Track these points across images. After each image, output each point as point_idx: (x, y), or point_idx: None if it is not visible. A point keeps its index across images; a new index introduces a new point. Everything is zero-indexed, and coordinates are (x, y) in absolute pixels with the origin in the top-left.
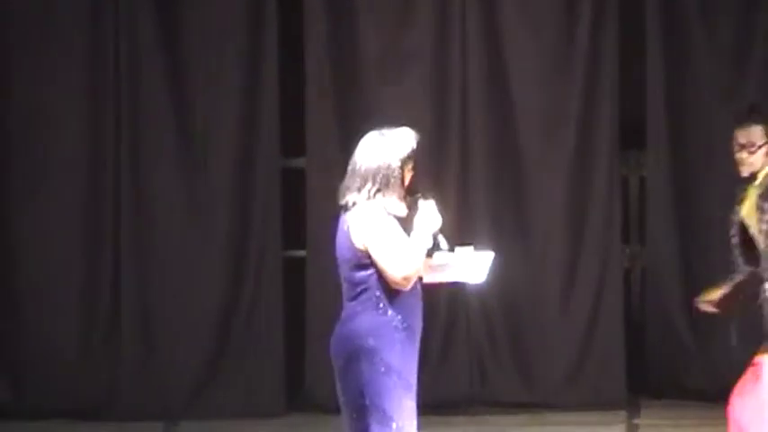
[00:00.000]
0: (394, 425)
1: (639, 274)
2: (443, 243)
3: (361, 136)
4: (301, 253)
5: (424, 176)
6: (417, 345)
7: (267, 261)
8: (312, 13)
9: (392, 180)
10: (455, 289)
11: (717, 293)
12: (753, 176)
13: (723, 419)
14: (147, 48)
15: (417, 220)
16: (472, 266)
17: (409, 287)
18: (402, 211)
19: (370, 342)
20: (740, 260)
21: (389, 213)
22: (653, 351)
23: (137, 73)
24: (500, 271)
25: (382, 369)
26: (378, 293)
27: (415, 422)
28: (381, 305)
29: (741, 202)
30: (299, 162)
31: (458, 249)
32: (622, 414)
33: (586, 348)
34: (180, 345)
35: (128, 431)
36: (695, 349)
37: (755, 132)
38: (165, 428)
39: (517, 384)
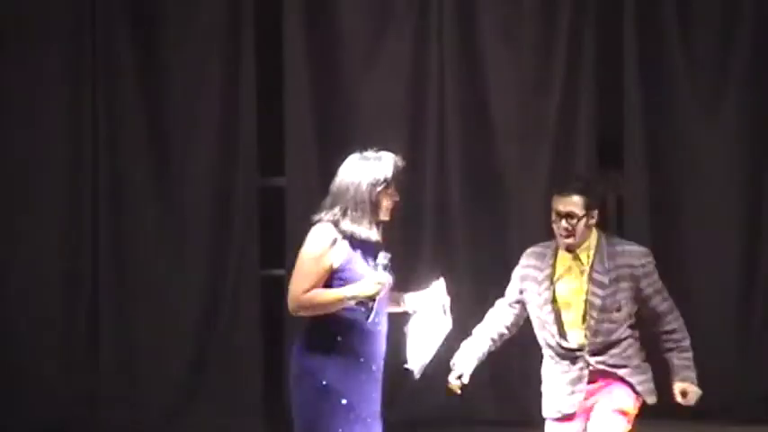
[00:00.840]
0: None
1: None
2: (382, 261)
3: (341, 156)
4: (280, 272)
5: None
6: (373, 371)
7: (245, 279)
8: (292, 33)
9: (361, 204)
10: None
11: None
12: (574, 248)
13: None
14: (125, 69)
15: (360, 287)
16: (435, 314)
17: (303, 314)
18: (373, 236)
19: (314, 362)
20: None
21: (358, 237)
22: None
23: (114, 93)
24: (477, 287)
25: (322, 391)
26: (330, 317)
27: None
28: (332, 328)
29: (552, 277)
30: (278, 181)
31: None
32: None
33: None
34: (158, 361)
35: None
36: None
37: (576, 202)
38: None
39: (493, 401)
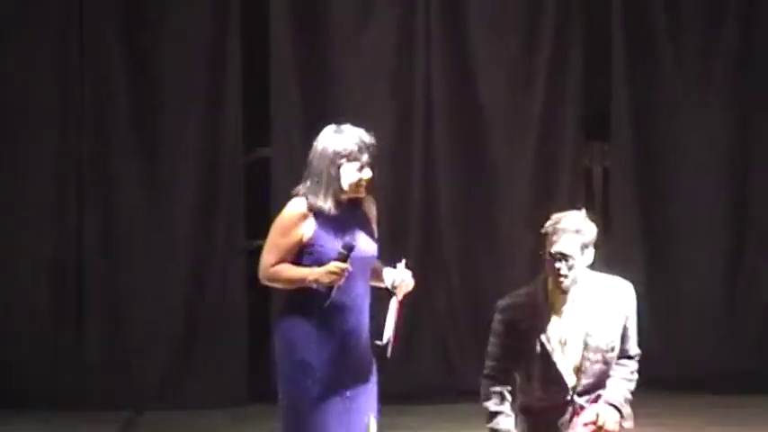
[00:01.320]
0: (294, 419)
1: (604, 261)
2: (341, 250)
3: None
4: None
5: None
6: (351, 346)
7: (232, 251)
8: (278, 9)
9: (317, 176)
10: (419, 281)
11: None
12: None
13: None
14: (111, 45)
15: (319, 273)
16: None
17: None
18: (334, 209)
19: (291, 336)
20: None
21: (323, 211)
22: None
23: (101, 67)
24: (467, 262)
25: (299, 366)
26: (306, 291)
27: (330, 420)
28: (307, 302)
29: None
30: (265, 152)
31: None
32: None
33: None
34: (146, 335)
35: (95, 420)
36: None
37: (574, 243)
38: (131, 417)
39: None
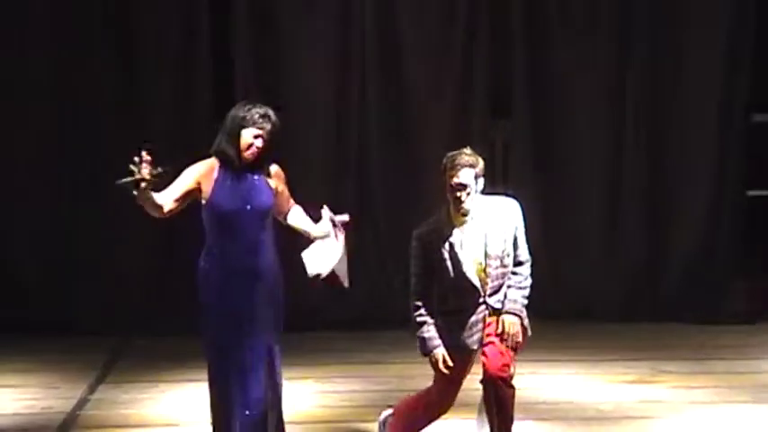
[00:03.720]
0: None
1: None
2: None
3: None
4: None
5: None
6: (248, 284)
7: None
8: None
9: (227, 133)
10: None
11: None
12: (462, 211)
13: None
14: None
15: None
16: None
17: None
18: (233, 160)
19: (198, 279)
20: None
21: (224, 153)
22: None
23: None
24: (394, 211)
25: (202, 304)
26: (208, 235)
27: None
28: (207, 246)
29: (456, 240)
30: None
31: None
32: None
33: None
34: (131, 264)
35: (84, 343)
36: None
37: (468, 174)
38: (118, 344)
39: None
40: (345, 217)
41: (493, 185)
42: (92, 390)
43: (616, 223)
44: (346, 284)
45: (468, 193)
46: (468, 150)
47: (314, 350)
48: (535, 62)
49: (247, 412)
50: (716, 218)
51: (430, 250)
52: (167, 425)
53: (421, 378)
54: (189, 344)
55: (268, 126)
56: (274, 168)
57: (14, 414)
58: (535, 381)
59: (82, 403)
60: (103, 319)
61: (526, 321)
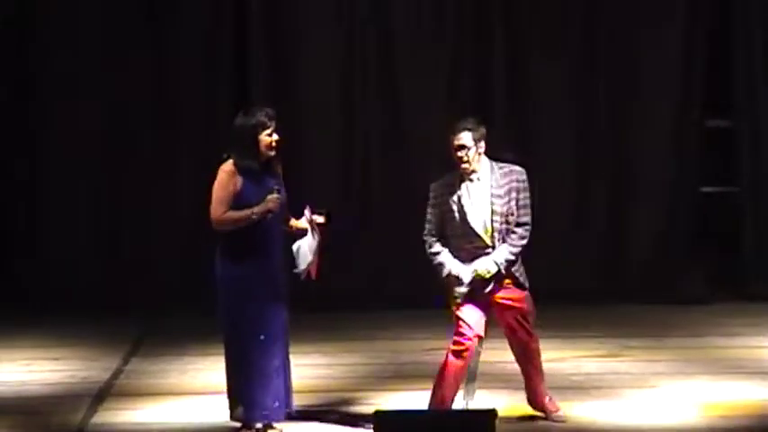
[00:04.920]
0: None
1: None
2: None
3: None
4: None
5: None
6: (268, 267)
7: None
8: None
9: (246, 141)
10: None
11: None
12: (472, 172)
13: None
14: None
15: (259, 207)
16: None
17: (221, 230)
18: (255, 166)
19: (228, 267)
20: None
21: (244, 168)
22: None
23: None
24: (388, 201)
25: (232, 281)
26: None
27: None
28: (235, 235)
29: (465, 195)
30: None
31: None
32: None
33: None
34: (160, 250)
35: (119, 321)
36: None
37: (466, 137)
38: (149, 321)
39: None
40: (321, 219)
41: None
42: (125, 362)
43: (587, 201)
44: (313, 276)
45: (469, 154)
46: (470, 119)
47: (321, 328)
48: (513, 65)
49: (275, 376)
50: (674, 211)
51: (441, 201)
52: (191, 393)
53: (415, 353)
54: (210, 321)
55: (275, 122)
56: (277, 163)
57: (58, 383)
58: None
59: (117, 374)
60: (134, 299)
61: (502, 269)
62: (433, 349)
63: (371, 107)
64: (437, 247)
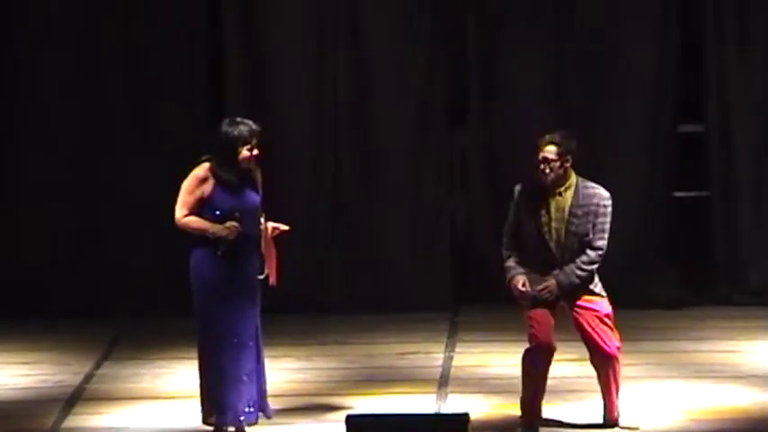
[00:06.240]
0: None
1: (461, 215)
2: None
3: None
4: None
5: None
6: (241, 268)
7: None
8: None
9: (225, 153)
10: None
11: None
12: (554, 186)
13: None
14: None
15: (218, 228)
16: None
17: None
18: (233, 177)
19: (199, 266)
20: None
21: (223, 177)
22: (473, 268)
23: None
24: (359, 204)
25: (203, 284)
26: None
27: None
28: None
29: (544, 207)
30: None
31: None
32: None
33: (426, 265)
34: (134, 253)
35: (92, 325)
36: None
37: (552, 151)
38: (121, 325)
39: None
40: (283, 227)
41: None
42: (98, 366)
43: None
44: (272, 281)
45: (552, 168)
46: (560, 132)
47: (293, 332)
48: (486, 67)
49: (246, 379)
50: (646, 215)
51: (520, 206)
52: (164, 397)
53: (387, 357)
54: (183, 325)
55: (257, 137)
56: (257, 172)
57: (29, 388)
58: (488, 359)
59: (89, 378)
60: (107, 303)
61: (564, 292)
62: (407, 353)
63: (343, 107)
64: (510, 262)
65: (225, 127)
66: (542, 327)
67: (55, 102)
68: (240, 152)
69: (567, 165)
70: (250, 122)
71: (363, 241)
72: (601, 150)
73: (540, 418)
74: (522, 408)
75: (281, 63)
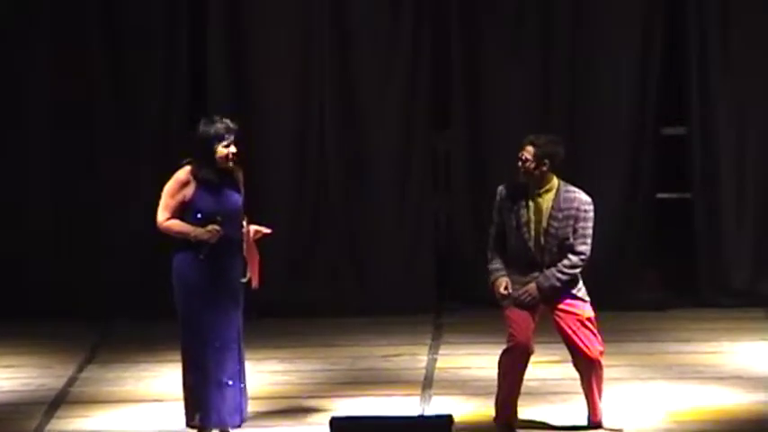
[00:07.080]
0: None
1: (444, 217)
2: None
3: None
4: None
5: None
6: (224, 270)
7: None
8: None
9: (203, 152)
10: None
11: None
12: (534, 187)
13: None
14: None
15: (200, 232)
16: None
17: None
18: (213, 176)
19: (182, 268)
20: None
21: (203, 177)
22: (457, 270)
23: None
24: (344, 205)
25: (185, 287)
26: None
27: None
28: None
29: (524, 209)
30: None
31: None
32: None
33: (410, 266)
34: (116, 256)
35: (76, 328)
36: (481, 270)
37: (529, 150)
38: (105, 328)
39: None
40: (266, 230)
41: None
42: (81, 369)
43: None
44: (254, 285)
45: (526, 168)
46: (543, 136)
47: (276, 334)
48: (470, 69)
49: (230, 382)
50: (629, 217)
51: (502, 207)
52: (147, 400)
53: (371, 359)
54: (166, 328)
55: (234, 134)
56: (238, 172)
57: (12, 391)
58: (472, 361)
59: (72, 381)
60: (90, 306)
61: (545, 295)
62: (391, 355)
63: (328, 108)
64: (494, 264)
65: (201, 126)
66: (522, 328)
67: (33, 103)
68: (217, 150)
69: (544, 168)
70: (227, 120)
71: (347, 243)
72: (584, 152)
73: (516, 418)
74: (497, 408)
75: (266, 64)
